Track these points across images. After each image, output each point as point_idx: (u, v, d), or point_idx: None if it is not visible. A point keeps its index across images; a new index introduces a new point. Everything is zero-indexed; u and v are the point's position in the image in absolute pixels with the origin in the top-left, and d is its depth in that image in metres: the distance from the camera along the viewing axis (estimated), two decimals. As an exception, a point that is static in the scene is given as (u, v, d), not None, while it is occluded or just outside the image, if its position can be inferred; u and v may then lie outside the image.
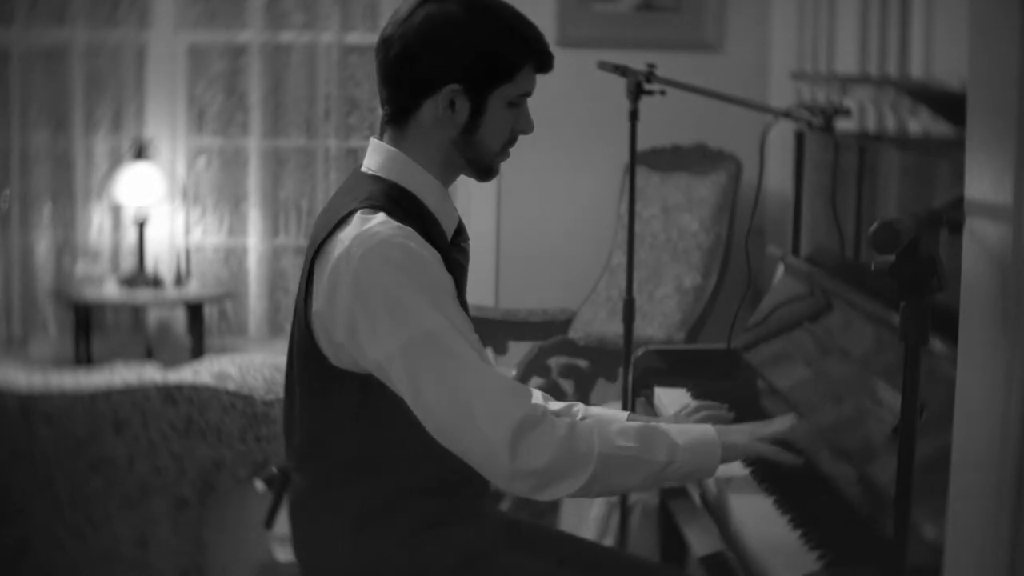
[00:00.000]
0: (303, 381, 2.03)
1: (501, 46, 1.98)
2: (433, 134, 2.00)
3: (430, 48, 1.96)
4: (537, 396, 2.31)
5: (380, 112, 2.05)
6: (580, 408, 2.30)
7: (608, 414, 2.32)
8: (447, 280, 1.94)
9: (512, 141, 2.05)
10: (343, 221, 1.94)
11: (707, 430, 2.06)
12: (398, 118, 2.02)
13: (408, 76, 1.98)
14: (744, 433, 2.13)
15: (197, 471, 2.77)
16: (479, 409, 1.85)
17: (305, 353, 1.99)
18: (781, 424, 2.19)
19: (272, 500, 2.22)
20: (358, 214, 1.94)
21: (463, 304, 2.07)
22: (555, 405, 2.30)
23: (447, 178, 2.06)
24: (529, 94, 2.03)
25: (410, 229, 1.92)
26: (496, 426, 1.84)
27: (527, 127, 2.05)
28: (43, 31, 4.97)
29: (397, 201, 1.97)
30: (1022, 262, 1.40)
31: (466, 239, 2.12)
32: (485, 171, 2.06)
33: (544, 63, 2.03)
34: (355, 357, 1.93)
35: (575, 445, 1.89)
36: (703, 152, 4.73)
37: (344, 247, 1.91)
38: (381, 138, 2.05)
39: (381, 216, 1.92)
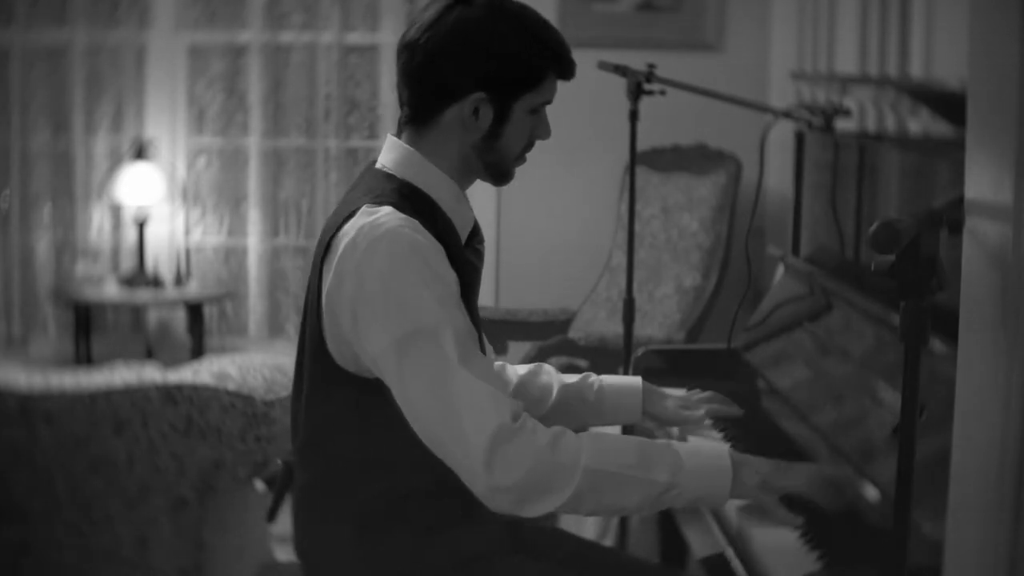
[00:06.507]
0: (309, 379, 2.03)
1: (527, 55, 1.97)
2: (454, 138, 1.99)
3: (457, 56, 1.95)
4: (549, 371, 2.31)
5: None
6: (595, 378, 2.29)
7: (623, 382, 2.31)
8: (450, 276, 1.92)
9: (530, 146, 2.05)
10: (351, 215, 1.95)
11: (721, 455, 1.94)
12: (418, 119, 2.01)
13: (433, 82, 1.97)
14: (764, 470, 1.97)
15: (197, 471, 2.77)
16: (458, 418, 1.82)
17: (314, 351, 1.99)
18: (798, 477, 2.00)
19: (275, 494, 2.21)
20: (364, 207, 1.94)
21: (474, 306, 2.07)
22: (570, 378, 2.30)
23: (464, 181, 2.05)
24: (550, 101, 2.03)
25: (416, 221, 1.92)
26: (473, 438, 1.81)
27: (545, 133, 2.04)
28: (43, 31, 4.97)
29: (408, 198, 1.97)
30: (1022, 262, 1.39)
31: (481, 241, 2.12)
32: (502, 176, 2.06)
33: (566, 71, 2.02)
34: (356, 351, 1.93)
35: (557, 457, 1.83)
36: (703, 152, 4.74)
37: (350, 238, 1.91)
38: (399, 135, 2.05)
39: (387, 208, 1.93)
